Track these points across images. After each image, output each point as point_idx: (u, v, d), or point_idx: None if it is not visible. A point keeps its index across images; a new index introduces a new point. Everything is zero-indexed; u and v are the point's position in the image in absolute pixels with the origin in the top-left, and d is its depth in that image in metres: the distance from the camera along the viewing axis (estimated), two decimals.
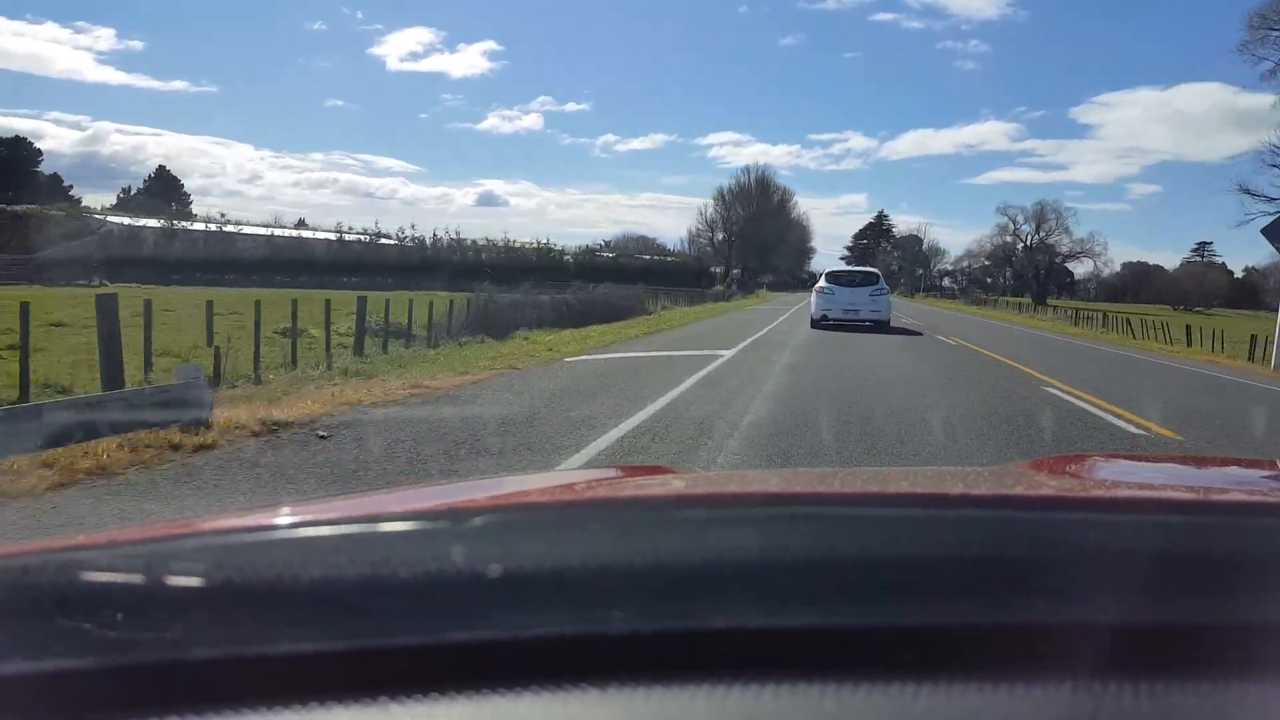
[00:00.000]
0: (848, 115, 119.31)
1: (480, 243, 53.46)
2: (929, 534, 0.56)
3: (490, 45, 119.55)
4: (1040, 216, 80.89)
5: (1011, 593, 0.52)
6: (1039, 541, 0.55)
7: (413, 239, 49.82)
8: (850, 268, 22.02)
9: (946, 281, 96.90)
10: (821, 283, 17.98)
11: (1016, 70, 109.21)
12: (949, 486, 0.89)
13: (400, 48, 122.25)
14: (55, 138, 75.98)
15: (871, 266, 24.17)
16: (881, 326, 17.06)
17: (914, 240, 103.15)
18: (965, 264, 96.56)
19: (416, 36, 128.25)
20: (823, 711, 0.44)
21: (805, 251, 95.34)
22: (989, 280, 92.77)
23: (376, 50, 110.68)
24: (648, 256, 62.85)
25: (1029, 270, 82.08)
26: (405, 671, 0.46)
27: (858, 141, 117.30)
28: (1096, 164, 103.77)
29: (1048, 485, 0.97)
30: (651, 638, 0.48)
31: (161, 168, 56.24)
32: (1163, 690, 0.46)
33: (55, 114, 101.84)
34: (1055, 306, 51.56)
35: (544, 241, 57.76)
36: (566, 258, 56.70)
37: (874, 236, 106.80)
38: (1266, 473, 1.24)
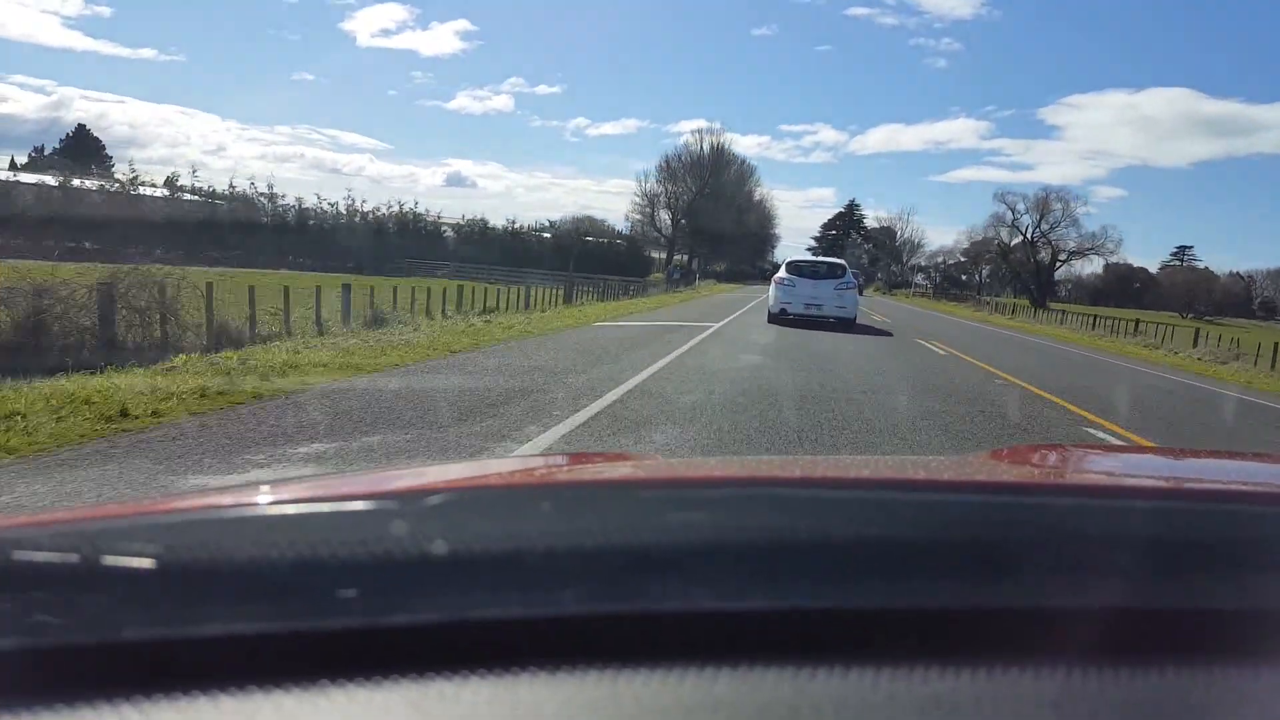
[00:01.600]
0: (819, 108, 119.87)
1: (382, 212, 43.27)
2: (887, 517, 0.56)
3: (464, 25, 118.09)
4: (1044, 206, 71.78)
5: (974, 577, 0.52)
6: (997, 525, 0.56)
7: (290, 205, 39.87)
8: (814, 258, 18.68)
9: (919, 279, 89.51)
10: (781, 273, 15.67)
11: (988, 69, 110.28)
12: (909, 472, 0.90)
13: (372, 24, 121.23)
14: (18, 101, 73.18)
15: (837, 258, 20.53)
16: (847, 325, 14.92)
17: (887, 233, 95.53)
18: (940, 260, 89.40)
19: (389, 13, 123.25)
20: (779, 697, 0.43)
21: (767, 239, 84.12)
22: (963, 278, 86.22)
23: (347, 25, 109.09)
24: (591, 239, 52.41)
25: (1027, 267, 73.15)
26: (347, 655, 0.45)
27: (828, 134, 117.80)
28: (1063, 165, 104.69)
29: (1007, 471, 0.98)
30: (604, 620, 0.47)
31: (81, 127, 50.32)
32: (1128, 678, 0.45)
33: (19, 78, 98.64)
34: (1064, 310, 42.45)
35: (473, 217, 47.78)
36: (489, 235, 46.37)
37: (844, 227, 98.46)
38: (1245, 463, 1.25)
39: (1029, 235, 73.00)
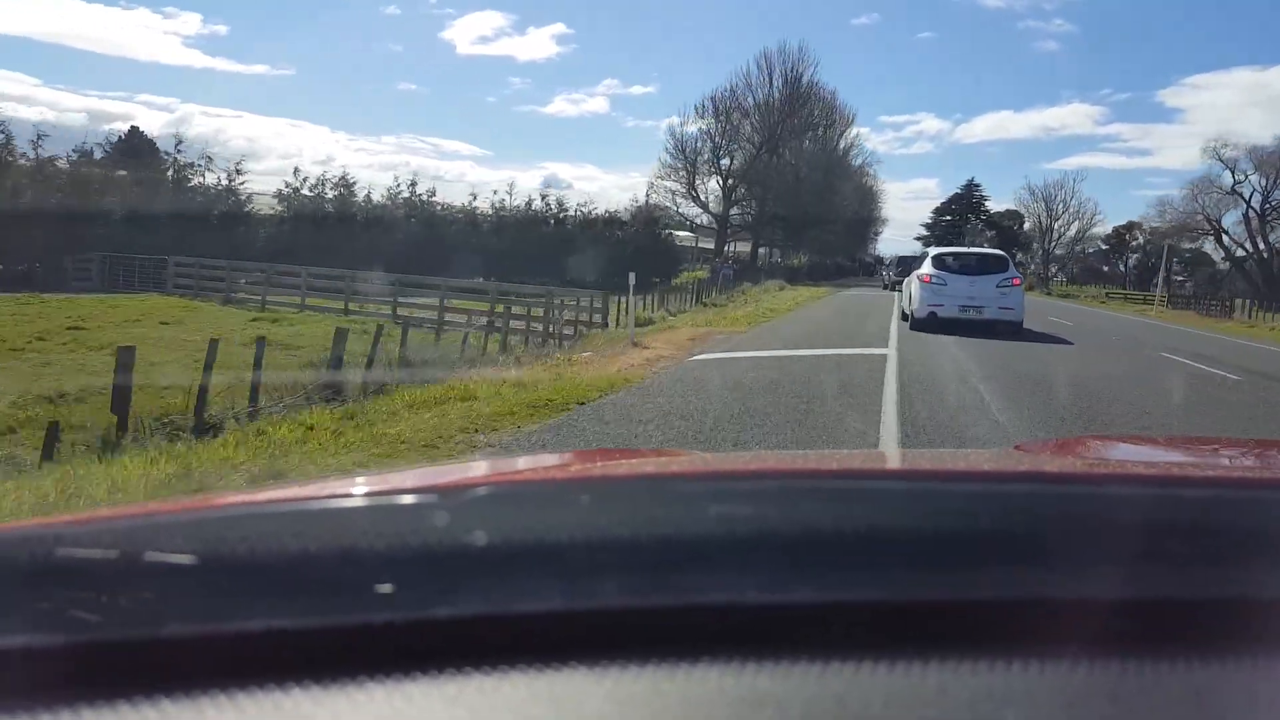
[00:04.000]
0: (921, 97, 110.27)
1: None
2: (930, 508, 0.55)
3: (559, 28, 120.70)
4: (1276, 165, 47.47)
5: (1020, 568, 0.51)
6: (1044, 516, 0.55)
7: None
8: (966, 249, 15.92)
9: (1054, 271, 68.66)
10: (927, 267, 12.25)
11: (1102, 50, 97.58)
12: (949, 464, 0.90)
13: (471, 31, 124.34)
14: (145, 120, 78.41)
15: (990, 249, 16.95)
16: (1016, 331, 11.62)
17: (1013, 216, 73.86)
18: (1079, 248, 66.84)
19: (488, 20, 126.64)
20: (826, 690, 0.43)
21: (869, 221, 62.14)
22: (1104, 269, 66.32)
23: (447, 34, 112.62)
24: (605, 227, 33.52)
25: (1251, 252, 48.95)
26: (389, 650, 0.44)
27: (930, 124, 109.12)
28: (1184, 149, 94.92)
29: (1050, 462, 0.97)
30: (646, 614, 0.47)
31: (134, 128, 42.28)
32: (1153, 667, 0.45)
33: (145, 96, 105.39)
34: None
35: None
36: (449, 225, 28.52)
37: (961, 211, 76.40)
38: (1266, 451, 1.21)
39: (1258, 207, 49.06)
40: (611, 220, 33.65)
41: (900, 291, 15.77)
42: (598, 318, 13.82)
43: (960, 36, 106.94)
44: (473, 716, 0.41)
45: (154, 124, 77.36)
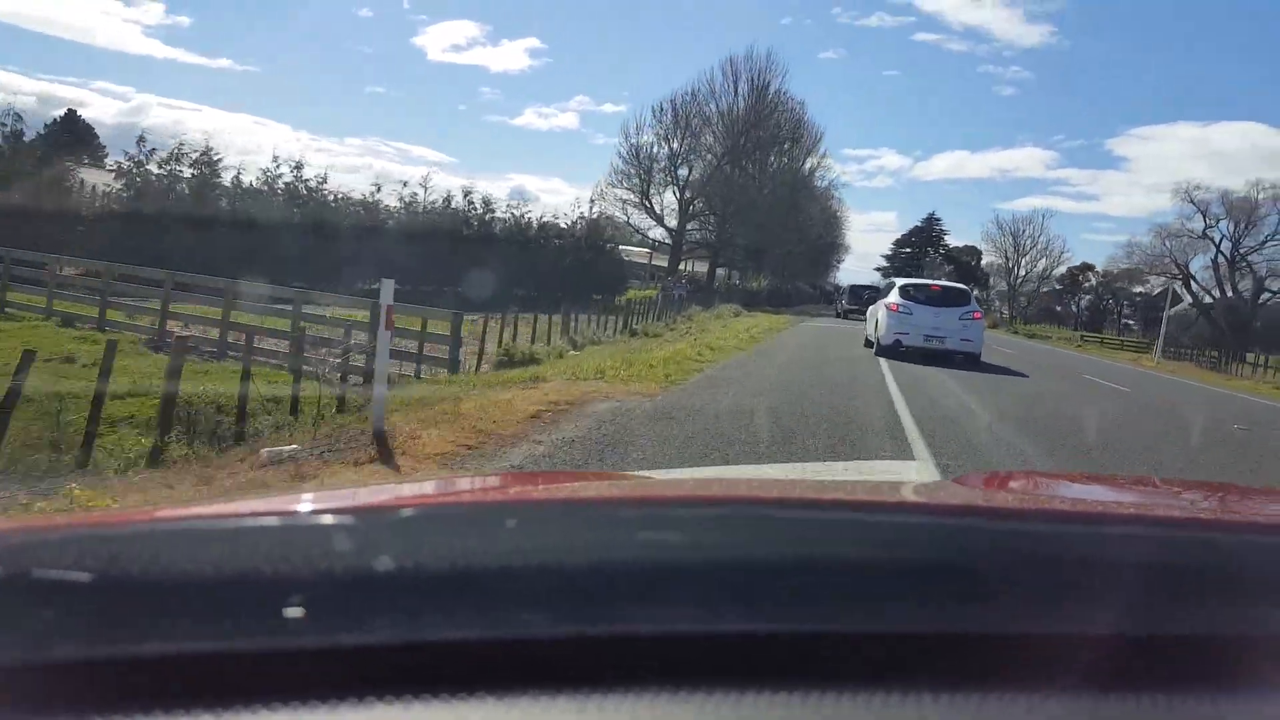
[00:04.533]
0: (884, 133, 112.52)
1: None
2: (864, 538, 0.55)
3: (533, 43, 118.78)
4: (1248, 210, 45.63)
5: (954, 601, 0.51)
6: (978, 549, 0.55)
7: None
8: (931, 281, 16.37)
9: (1004, 308, 68.07)
10: (894, 297, 12.96)
11: (1056, 98, 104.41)
12: (885, 495, 0.90)
13: (444, 39, 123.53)
14: (99, 107, 77.01)
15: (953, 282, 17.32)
16: (974, 362, 12.28)
17: (971, 252, 73.03)
18: (1044, 288, 65.86)
19: (461, 29, 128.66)
20: None
21: (834, 248, 59.57)
22: (1057, 309, 65.69)
23: (419, 40, 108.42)
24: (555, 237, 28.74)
25: (1214, 296, 47.08)
26: (292, 677, 0.42)
27: (892, 159, 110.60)
28: (1129, 196, 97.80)
29: (985, 497, 0.98)
30: (568, 643, 0.45)
31: (71, 112, 38.40)
32: (1118, 701, 0.45)
33: (101, 84, 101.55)
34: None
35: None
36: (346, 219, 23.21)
37: (920, 244, 74.71)
38: (1219, 494, 1.23)
39: (1228, 253, 47.24)
40: (547, 227, 28.93)
41: (848, 319, 15.45)
42: (443, 353, 8.98)
43: (924, 76, 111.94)
44: None
45: (108, 112, 74.52)
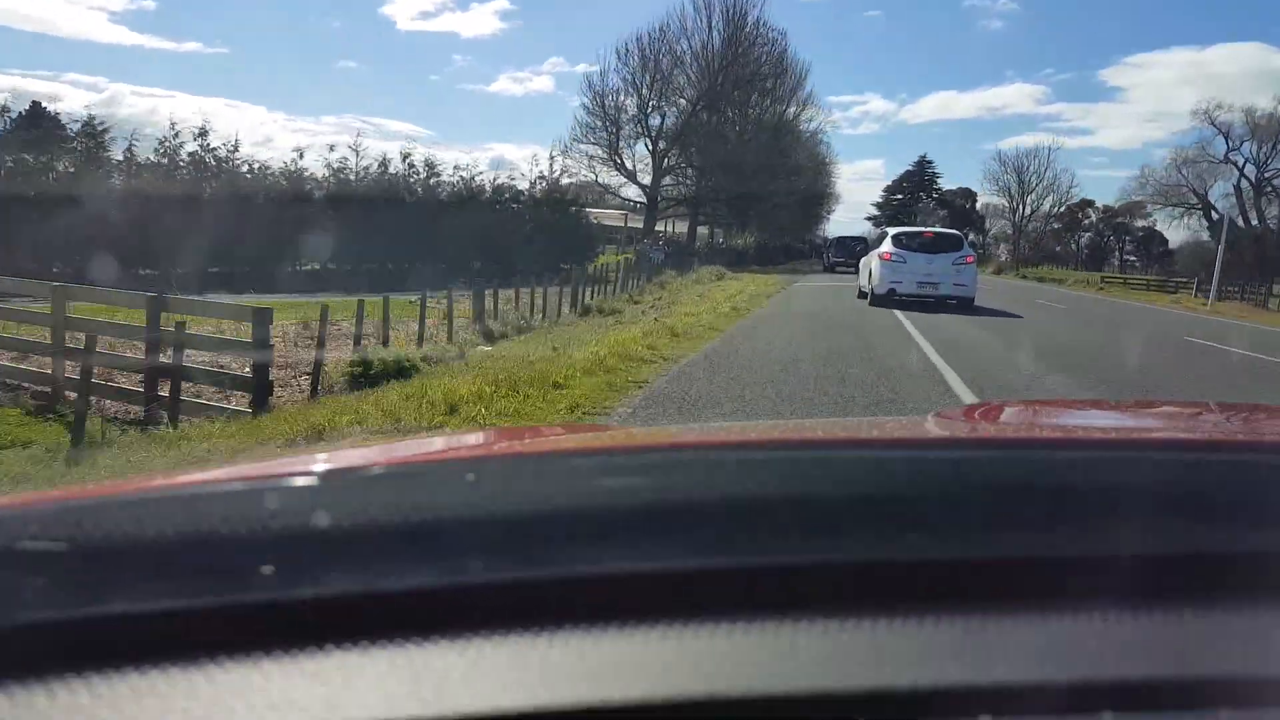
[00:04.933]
0: (867, 77, 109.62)
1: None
2: (823, 476, 0.57)
3: (503, 4, 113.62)
4: (1275, 130, 42.02)
5: (888, 531, 0.52)
6: (917, 480, 0.57)
7: None
8: (922, 228, 16.06)
9: (1003, 250, 65.45)
10: (887, 246, 13.22)
11: (1046, 30, 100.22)
12: (851, 432, 0.90)
13: (412, 6, 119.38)
14: (72, 99, 71.38)
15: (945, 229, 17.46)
16: (968, 306, 12.52)
17: (966, 194, 70.15)
18: (1031, 227, 63.03)
19: None
20: (686, 653, 0.43)
21: (823, 198, 53.94)
22: (1057, 249, 61.93)
23: (387, 9, 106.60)
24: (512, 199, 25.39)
25: (1244, 227, 43.91)
26: (250, 630, 0.44)
27: (877, 104, 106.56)
28: (1124, 128, 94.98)
29: (932, 429, 0.98)
30: (512, 588, 0.47)
31: (36, 104, 33.70)
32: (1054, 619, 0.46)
33: (73, 75, 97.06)
34: None
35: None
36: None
37: (913, 189, 71.53)
38: (1216, 414, 1.23)
39: (1251, 177, 43.98)
40: (502, 189, 25.50)
41: (835, 273, 15.34)
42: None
43: (907, 15, 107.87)
44: (331, 692, 0.41)
45: (81, 104, 70.95)
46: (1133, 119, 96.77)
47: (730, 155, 33.98)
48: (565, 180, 27.32)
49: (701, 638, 0.44)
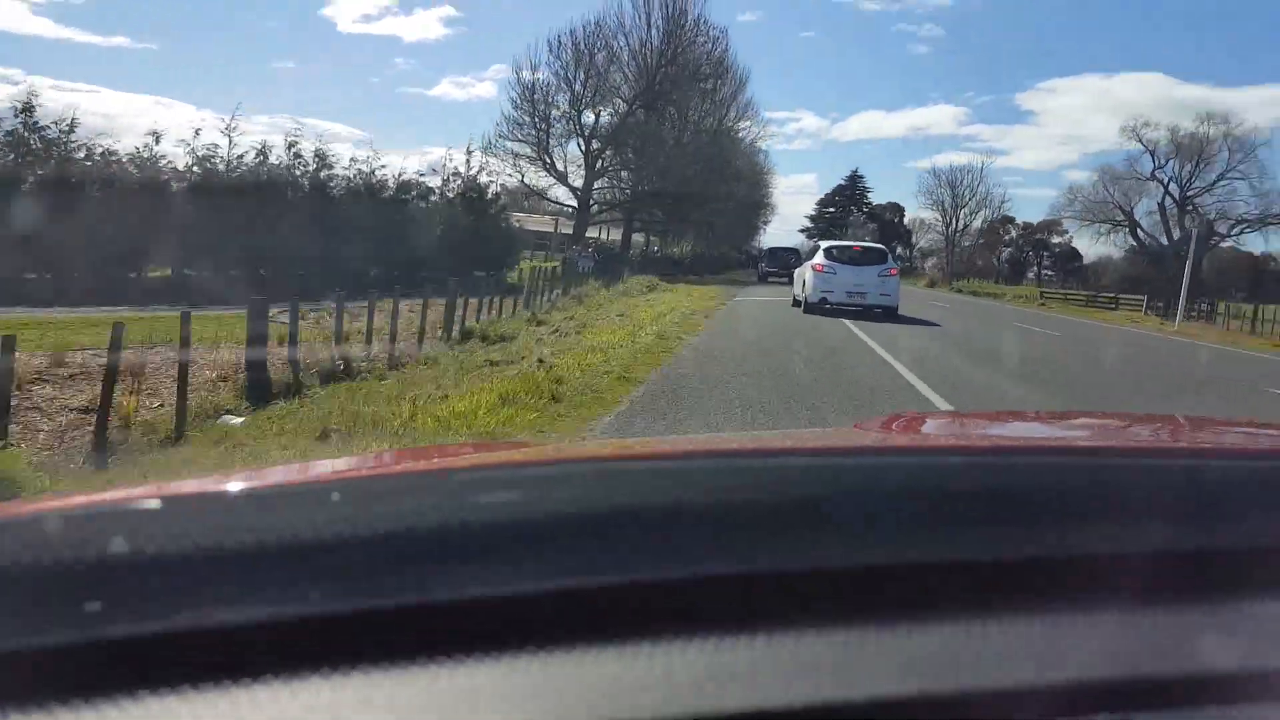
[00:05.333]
0: (802, 94, 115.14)
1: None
2: (717, 484, 0.56)
3: (448, 10, 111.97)
4: (1198, 148, 42.87)
5: (771, 544, 0.52)
6: (764, 488, 0.56)
7: None
8: (851, 242, 17.17)
9: (930, 264, 66.56)
10: (819, 259, 14.47)
11: (968, 54, 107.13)
12: (736, 445, 0.91)
13: (354, 9, 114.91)
14: None
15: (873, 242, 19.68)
16: (892, 315, 13.57)
17: (894, 209, 71.24)
18: (965, 242, 64.10)
19: None
20: (593, 676, 0.42)
21: (758, 207, 52.02)
22: (979, 263, 63.89)
23: (328, 11, 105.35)
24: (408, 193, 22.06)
25: (1157, 239, 44.57)
26: (90, 670, 0.42)
27: (810, 121, 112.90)
28: (1038, 150, 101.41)
29: (842, 439, 0.99)
30: (412, 611, 0.45)
31: None
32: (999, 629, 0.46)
33: None
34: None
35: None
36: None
37: (844, 203, 71.74)
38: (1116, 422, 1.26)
39: (1170, 188, 44.76)
40: (409, 186, 22.26)
41: (767, 282, 17.33)
42: None
43: (840, 36, 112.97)
44: None
45: None
46: (1046, 141, 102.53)
47: (669, 157, 31.74)
48: (485, 179, 24.21)
49: (621, 659, 0.43)
